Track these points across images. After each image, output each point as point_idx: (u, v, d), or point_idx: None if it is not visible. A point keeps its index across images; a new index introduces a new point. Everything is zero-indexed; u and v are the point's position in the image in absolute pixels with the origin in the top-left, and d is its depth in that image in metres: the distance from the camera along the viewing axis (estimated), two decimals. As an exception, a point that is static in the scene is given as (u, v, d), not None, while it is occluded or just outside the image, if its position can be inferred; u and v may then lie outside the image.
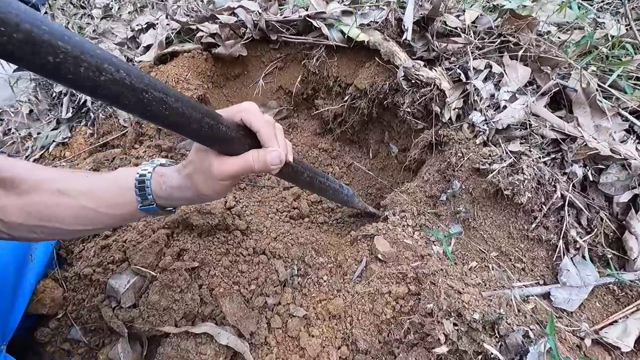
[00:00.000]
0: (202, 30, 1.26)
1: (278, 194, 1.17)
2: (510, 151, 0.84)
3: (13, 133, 1.27)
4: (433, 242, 0.88)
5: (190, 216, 0.87)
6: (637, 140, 0.82)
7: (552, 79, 0.88)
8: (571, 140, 0.83)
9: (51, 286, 0.84)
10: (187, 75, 1.19)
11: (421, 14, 1.07)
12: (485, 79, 0.96)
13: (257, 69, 1.40)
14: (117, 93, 0.34)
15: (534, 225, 0.80)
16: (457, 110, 0.96)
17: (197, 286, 0.81)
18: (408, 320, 0.73)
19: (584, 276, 0.73)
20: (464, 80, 0.98)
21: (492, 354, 0.61)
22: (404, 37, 1.07)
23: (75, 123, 1.27)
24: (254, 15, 1.27)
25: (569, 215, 0.78)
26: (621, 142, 0.82)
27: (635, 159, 0.76)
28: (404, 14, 1.09)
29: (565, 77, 0.93)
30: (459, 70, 1.00)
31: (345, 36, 1.17)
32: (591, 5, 1.18)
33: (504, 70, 0.95)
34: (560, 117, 0.87)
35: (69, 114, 1.27)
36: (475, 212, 0.88)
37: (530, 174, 0.78)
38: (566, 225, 0.77)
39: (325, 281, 0.84)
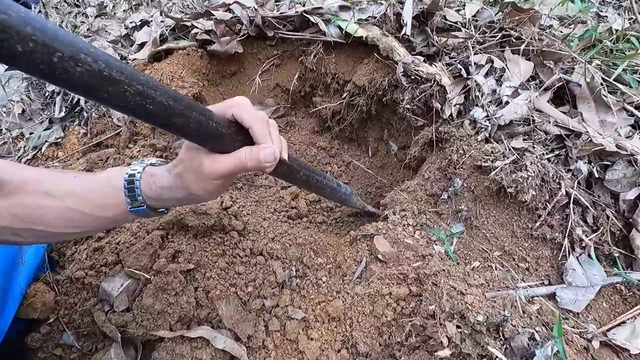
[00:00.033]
0: (197, 27, 1.24)
1: (276, 194, 1.14)
2: (513, 148, 0.82)
3: (5, 133, 1.25)
4: (434, 241, 0.86)
5: (185, 217, 0.86)
6: (643, 136, 0.80)
7: (555, 73, 0.86)
8: (575, 136, 0.81)
9: (42, 290, 0.81)
10: (181, 73, 1.17)
11: (420, 9, 1.05)
12: (487, 74, 0.94)
13: (253, 66, 1.38)
14: (96, 86, 0.31)
15: (538, 224, 0.78)
16: (458, 106, 0.94)
17: (192, 289, 0.79)
18: (409, 323, 0.71)
19: (591, 276, 0.71)
20: (465, 75, 0.95)
21: (497, 357, 0.59)
22: (403, 32, 1.05)
23: (68, 123, 1.25)
24: (249, 12, 1.25)
25: (574, 213, 0.76)
26: (627, 137, 0.80)
27: (641, 155, 0.74)
28: (402, 8, 1.07)
29: (568, 72, 0.91)
30: (459, 66, 0.98)
31: (343, 32, 1.15)
32: (593, -1, 1.16)
33: (506, 65, 0.93)
34: (564, 113, 0.85)
35: (62, 114, 1.24)
36: (477, 210, 0.86)
37: (534, 171, 0.76)
38: (571, 223, 0.75)
39: (324, 282, 0.82)
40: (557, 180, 0.78)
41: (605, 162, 0.78)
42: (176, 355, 0.70)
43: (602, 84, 0.82)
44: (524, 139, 0.83)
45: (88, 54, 0.30)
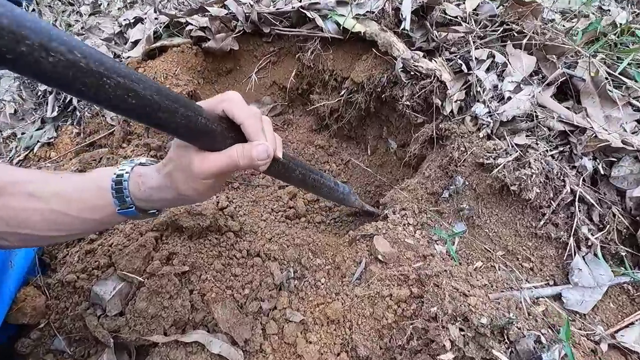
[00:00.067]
0: (192, 24, 1.21)
1: (273, 193, 1.12)
2: (516, 144, 0.80)
3: (-4, 134, 1.22)
4: (435, 241, 0.84)
5: (180, 218, 0.84)
6: (649, 131, 0.78)
7: (559, 68, 0.84)
8: (580, 132, 0.79)
9: (33, 294, 0.79)
10: (176, 71, 1.15)
11: (419, 3, 1.03)
12: (488, 69, 0.92)
13: (249, 64, 1.35)
14: (71, 77, 0.29)
15: (542, 222, 0.76)
16: (458, 102, 0.92)
17: (187, 292, 0.77)
18: (411, 325, 0.69)
19: (597, 276, 0.69)
20: (466, 71, 0.93)
21: (501, 361, 0.57)
22: (401, 27, 1.03)
23: (61, 122, 1.22)
24: (245, 7, 1.22)
25: (579, 211, 0.73)
26: (633, 133, 0.78)
27: (648, 151, 0.72)
28: (401, 3, 1.05)
29: (571, 66, 0.89)
30: (460, 61, 0.96)
31: (341, 27, 1.13)
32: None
33: (508, 60, 0.91)
34: (568, 108, 0.83)
35: (55, 113, 1.22)
36: (479, 209, 0.84)
37: (537, 168, 0.74)
38: (577, 221, 0.73)
39: (322, 284, 0.81)
40: (562, 178, 0.76)
41: (611, 159, 0.76)
42: (170, 360, 0.68)
43: (607, 79, 0.80)
44: (527, 136, 0.81)
45: (62, 42, 0.28)
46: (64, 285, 0.79)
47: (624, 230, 0.74)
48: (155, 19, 1.29)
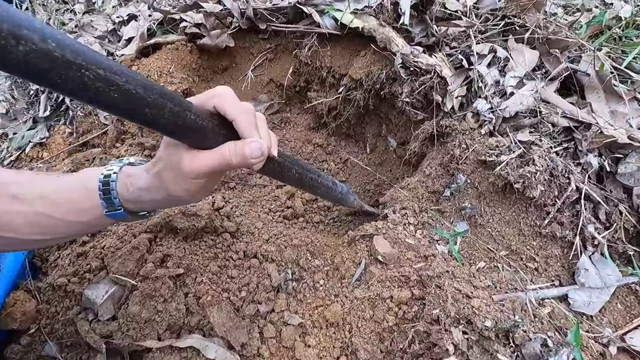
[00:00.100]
0: (186, 20, 1.19)
1: (270, 193, 1.10)
2: (519, 141, 0.78)
3: (-13, 134, 1.20)
4: (437, 241, 0.82)
5: (175, 219, 0.82)
6: (656, 126, 0.76)
7: (562, 62, 0.82)
8: (585, 127, 0.77)
9: (23, 298, 0.77)
10: (170, 69, 1.12)
11: (419, -3, 1.00)
12: (490, 65, 0.90)
13: (245, 61, 1.33)
14: (45, 69, 0.27)
15: (547, 221, 0.74)
16: (459, 98, 0.89)
17: (182, 295, 0.76)
18: (412, 329, 0.67)
19: (605, 276, 0.67)
20: (467, 66, 0.91)
21: (507, 365, 0.55)
22: (400, 22, 1.01)
23: (53, 122, 1.20)
24: (240, 3, 1.20)
25: (585, 209, 0.71)
26: (639, 128, 0.75)
27: (656, 147, 0.70)
28: (400, -3, 1.02)
29: (575, 61, 0.86)
30: (460, 56, 0.93)
31: (338, 23, 1.10)
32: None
33: (510, 55, 0.88)
34: (572, 104, 0.81)
35: (47, 112, 1.20)
36: (482, 207, 0.81)
37: (542, 165, 0.72)
38: (582, 220, 0.71)
39: (321, 286, 0.79)
40: (567, 175, 0.74)
41: (617, 155, 0.74)
42: (164, 366, 0.66)
43: (612, 73, 0.78)
44: (530, 132, 0.79)
45: (33, 30, 0.25)
46: (55, 289, 0.77)
47: (631, 228, 0.72)
48: (149, 15, 1.27)
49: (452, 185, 0.85)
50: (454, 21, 0.99)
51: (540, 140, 0.77)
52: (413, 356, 0.65)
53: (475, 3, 1.00)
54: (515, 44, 0.90)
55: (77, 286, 0.76)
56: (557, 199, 0.74)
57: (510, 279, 0.72)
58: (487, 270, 0.75)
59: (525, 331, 0.58)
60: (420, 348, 0.64)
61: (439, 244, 0.80)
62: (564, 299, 0.69)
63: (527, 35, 0.88)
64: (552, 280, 0.72)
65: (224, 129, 0.45)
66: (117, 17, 1.36)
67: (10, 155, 1.15)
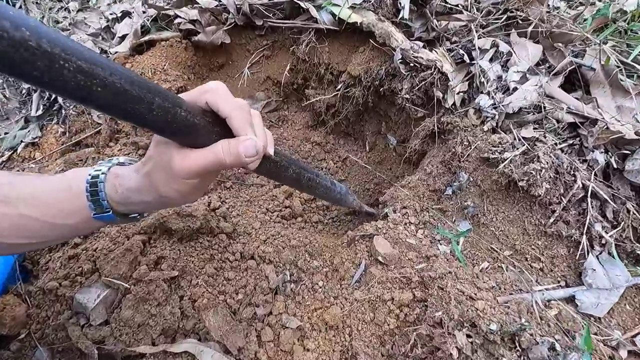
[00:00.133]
0: (181, 17, 1.16)
1: (268, 192, 1.08)
2: (523, 137, 0.76)
3: (-22, 134, 1.17)
4: (439, 241, 0.79)
5: (169, 219, 0.80)
6: (664, 122, 0.73)
7: (567, 56, 0.80)
8: (590, 123, 0.75)
9: (12, 303, 0.75)
10: (164, 66, 1.10)
11: (419, -9, 0.98)
12: (492, 59, 0.88)
13: (242, 58, 1.31)
14: (19, 60, 0.24)
15: (552, 220, 0.72)
16: (461, 94, 0.87)
17: (177, 298, 0.74)
18: (414, 332, 0.65)
19: (613, 276, 0.65)
20: (468, 61, 0.89)
21: (513, 370, 0.53)
22: (400, 17, 0.99)
23: (45, 121, 1.18)
24: (236, -1, 1.17)
25: (592, 207, 0.69)
26: (646, 124, 0.73)
27: (664, 142, 0.68)
28: (399, -9, 1.00)
29: (579, 55, 0.84)
30: (461, 51, 0.91)
31: (336, 18, 1.08)
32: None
33: (512, 49, 0.86)
34: (577, 99, 0.79)
35: (39, 112, 1.17)
36: (484, 206, 0.79)
37: (547, 163, 0.70)
38: (589, 218, 0.69)
39: (320, 287, 0.77)
40: (572, 172, 0.71)
41: (624, 151, 0.72)
42: (158, 372, 0.64)
43: (618, 67, 0.76)
44: (534, 128, 0.77)
45: (6, 17, 0.23)
46: (46, 293, 0.75)
47: None
48: (143, 12, 1.24)
49: (454, 184, 0.83)
50: (454, 15, 0.97)
51: (545, 137, 0.75)
52: (415, 360, 0.63)
53: (476, -4, 0.97)
54: (517, 38, 0.88)
55: (69, 290, 0.74)
56: (562, 197, 0.71)
57: (515, 280, 0.70)
58: (491, 271, 0.73)
59: (531, 334, 0.56)
60: (422, 352, 0.62)
61: (440, 244, 0.78)
62: (570, 300, 0.67)
63: (530, 29, 0.85)
64: (558, 281, 0.70)
65: (217, 127, 0.42)
66: (111, 14, 1.33)
67: (2, 156, 1.12)
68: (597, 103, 0.77)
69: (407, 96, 0.98)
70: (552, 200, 0.72)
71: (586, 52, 0.82)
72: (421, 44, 0.96)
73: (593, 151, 0.73)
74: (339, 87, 1.18)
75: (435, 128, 0.92)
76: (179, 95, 0.40)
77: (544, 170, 0.70)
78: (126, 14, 1.30)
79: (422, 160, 1.02)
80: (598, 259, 0.68)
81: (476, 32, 0.91)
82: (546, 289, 0.67)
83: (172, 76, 1.09)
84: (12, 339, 0.74)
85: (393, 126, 1.19)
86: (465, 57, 0.90)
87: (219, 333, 0.70)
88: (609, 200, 0.70)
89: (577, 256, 0.70)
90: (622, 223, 0.69)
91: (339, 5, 1.06)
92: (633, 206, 0.69)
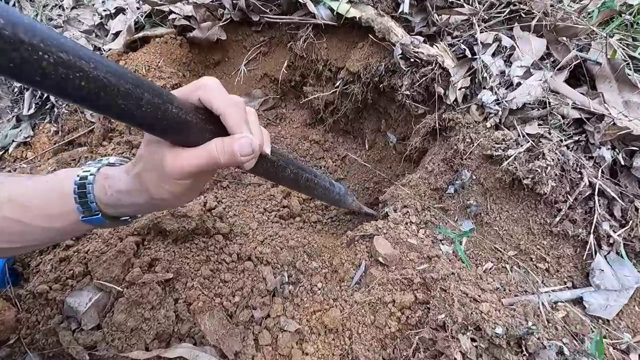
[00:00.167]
0: (175, 12, 1.14)
1: (266, 192, 1.06)
2: (527, 134, 0.74)
3: (-31, 133, 1.14)
4: (441, 241, 0.77)
5: (163, 220, 0.78)
6: (672, 117, 0.71)
7: (572, 50, 0.77)
8: (597, 119, 0.73)
9: (2, 307, 0.72)
10: (159, 63, 1.07)
11: (419, -16, 0.96)
12: (494, 54, 0.86)
13: (238, 55, 1.28)
14: None
15: (558, 219, 0.70)
16: (463, 90, 0.85)
17: (172, 301, 0.72)
18: (416, 335, 0.63)
19: (622, 277, 0.63)
20: (470, 56, 0.87)
21: (520, 376, 0.51)
22: (400, 11, 0.97)
23: (38, 120, 1.15)
24: (232, -6, 1.15)
25: (599, 205, 0.67)
26: (654, 119, 0.71)
27: (673, 138, 0.66)
28: (399, -15, 0.97)
29: (584, 49, 0.82)
30: (463, 46, 0.89)
31: (335, 13, 1.06)
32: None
33: (516, 43, 0.84)
34: (582, 94, 0.76)
35: (31, 111, 1.15)
36: (488, 205, 0.77)
37: (552, 160, 0.68)
38: (597, 217, 0.67)
39: (319, 289, 0.76)
40: (578, 170, 0.69)
41: (632, 148, 0.70)
42: (152, 379, 0.62)
43: (625, 61, 0.74)
44: (539, 124, 0.75)
45: None
46: (36, 296, 0.73)
47: (648, 225, 0.68)
48: (137, 8, 1.22)
49: (456, 182, 0.81)
50: (456, 9, 0.95)
51: (550, 133, 0.73)
52: (418, 365, 0.61)
53: (478, -10, 0.95)
54: (521, 32, 0.86)
55: (59, 293, 0.72)
56: (568, 195, 0.69)
57: (520, 281, 0.68)
58: (495, 272, 0.71)
59: (539, 338, 0.54)
60: (425, 356, 0.61)
61: (443, 244, 0.76)
62: (578, 302, 0.65)
63: (533, 22, 0.83)
64: (565, 282, 0.68)
65: (211, 124, 0.40)
66: (104, 10, 1.30)
67: (-7, 156, 1.10)
68: (604, 98, 0.75)
69: (408, 92, 0.96)
70: (557, 199, 0.70)
71: (591, 46, 0.80)
72: (422, 38, 0.94)
73: (600, 148, 0.71)
74: (337, 83, 1.16)
75: (437, 125, 0.90)
76: (171, 92, 0.37)
77: (549, 168, 0.68)
78: (120, 10, 1.28)
79: (423, 158, 1.00)
80: (606, 259, 0.66)
81: (478, 26, 0.88)
82: (553, 291, 0.65)
83: (167, 73, 1.07)
84: (1, 344, 0.72)
85: (393, 123, 1.18)
86: (467, 52, 0.88)
87: (215, 337, 0.69)
88: (617, 198, 0.68)
89: (584, 256, 0.69)
90: (631, 222, 0.67)
91: (337, 0, 1.04)
92: (641, 204, 0.67)
